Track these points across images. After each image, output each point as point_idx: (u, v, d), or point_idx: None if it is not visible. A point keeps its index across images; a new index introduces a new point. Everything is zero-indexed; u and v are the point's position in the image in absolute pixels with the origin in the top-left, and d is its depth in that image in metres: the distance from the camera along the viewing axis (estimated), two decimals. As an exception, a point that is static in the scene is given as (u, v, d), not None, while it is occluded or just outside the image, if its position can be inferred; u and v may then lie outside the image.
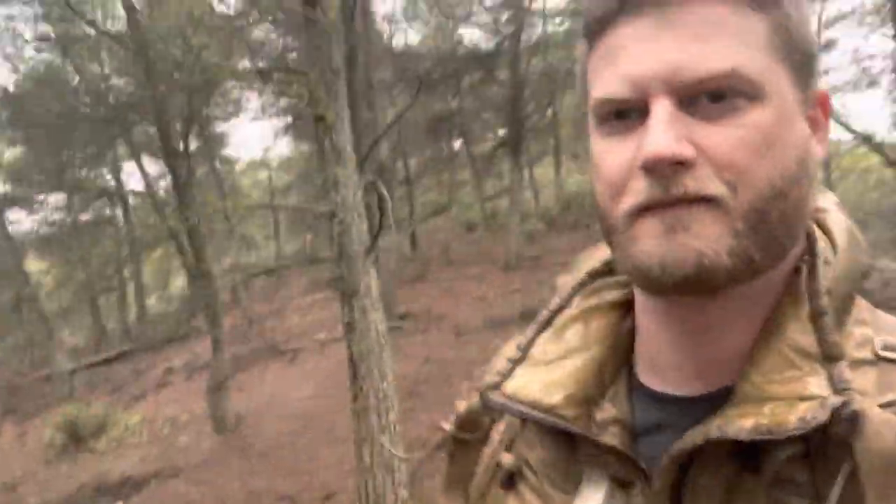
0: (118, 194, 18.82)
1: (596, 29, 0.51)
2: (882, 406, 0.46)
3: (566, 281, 0.66)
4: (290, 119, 17.87)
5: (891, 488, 0.43)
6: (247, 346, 12.71)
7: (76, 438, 9.31)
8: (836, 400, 0.45)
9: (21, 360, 17.01)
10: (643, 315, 0.58)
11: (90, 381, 13.65)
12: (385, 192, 4.83)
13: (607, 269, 0.64)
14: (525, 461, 0.61)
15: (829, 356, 0.48)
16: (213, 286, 8.35)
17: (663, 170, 0.47)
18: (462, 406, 0.67)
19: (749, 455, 0.48)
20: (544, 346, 0.61)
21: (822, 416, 0.44)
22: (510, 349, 0.63)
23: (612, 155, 0.51)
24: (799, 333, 0.50)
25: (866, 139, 11.14)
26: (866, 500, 0.44)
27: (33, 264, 18.57)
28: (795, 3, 0.51)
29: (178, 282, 22.08)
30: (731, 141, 0.47)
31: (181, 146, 8.49)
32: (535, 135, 18.03)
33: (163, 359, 14.36)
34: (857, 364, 0.49)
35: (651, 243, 0.48)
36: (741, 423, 0.46)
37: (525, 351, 0.62)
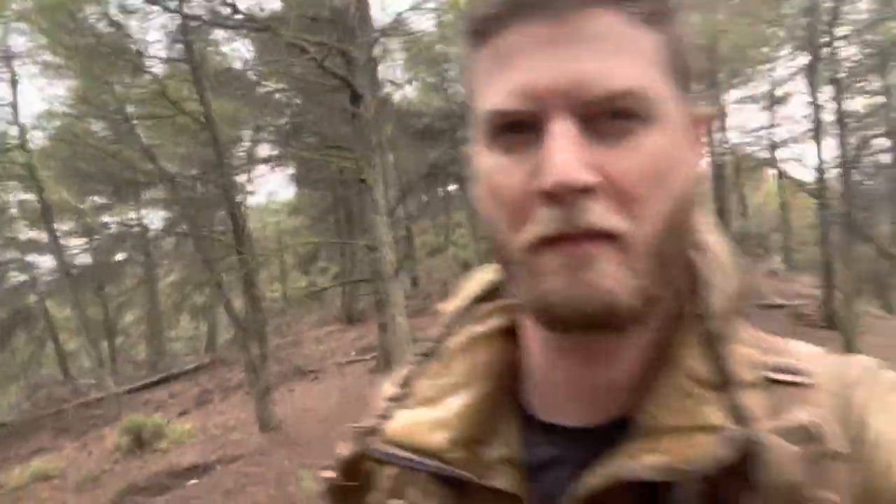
0: (141, 234, 20.47)
1: (482, 29, 0.48)
2: (777, 432, 0.45)
3: (448, 307, 0.62)
4: (294, 170, 19.88)
5: None
6: (275, 369, 14.55)
7: (139, 443, 11.05)
8: (737, 433, 0.44)
9: (49, 390, 18.66)
10: (535, 343, 0.55)
11: (131, 404, 15.38)
12: (412, 230, 6.91)
13: (492, 293, 0.60)
14: None
15: (724, 382, 0.47)
16: (262, 312, 10.33)
17: (566, 198, 0.44)
18: (344, 450, 0.61)
19: (650, 493, 0.45)
20: (428, 381, 0.57)
21: (728, 453, 0.43)
22: (390, 387, 0.59)
23: (507, 176, 0.47)
24: (693, 360, 0.49)
25: (800, 184, 13.25)
26: None
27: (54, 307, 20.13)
28: (681, 21, 0.50)
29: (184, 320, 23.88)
30: (634, 170, 0.45)
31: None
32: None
33: (194, 384, 16.14)
34: (748, 387, 0.48)
35: (556, 282, 0.45)
36: (648, 461, 0.45)
37: (406, 388, 0.58)
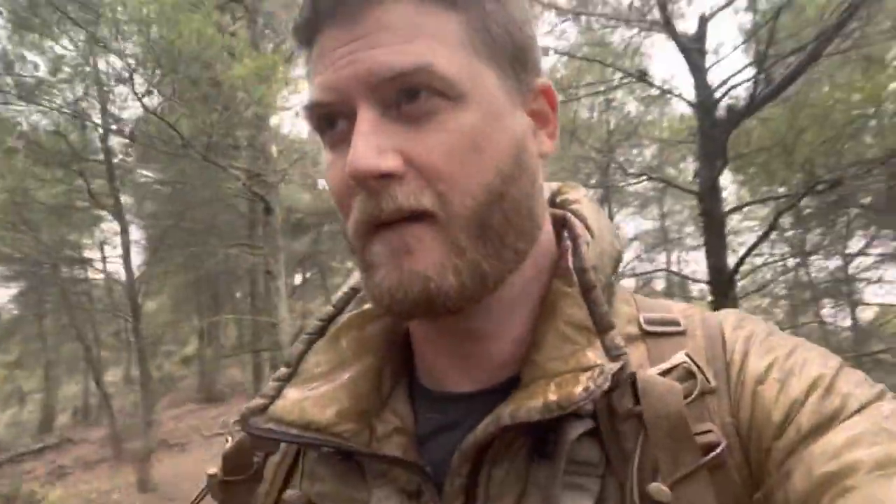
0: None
1: (305, 37, 0.51)
2: (660, 374, 0.48)
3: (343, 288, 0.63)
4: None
5: (681, 451, 0.45)
6: (137, 444, 15.08)
7: (5, 511, 11.32)
8: (613, 365, 0.46)
9: None
10: (415, 322, 0.57)
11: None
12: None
13: None
14: (308, 499, 0.55)
15: (602, 327, 0.49)
16: (148, 375, 11.47)
17: (370, 184, 0.45)
18: (229, 445, 0.60)
19: (542, 441, 0.47)
20: (317, 357, 0.57)
21: (604, 382, 0.45)
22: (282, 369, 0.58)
23: (334, 170, 0.50)
24: (572, 308, 0.50)
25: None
26: (660, 465, 0.45)
27: None
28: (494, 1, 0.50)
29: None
30: (438, 148, 0.46)
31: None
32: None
33: (44, 462, 15.95)
34: (628, 339, 0.52)
35: (381, 273, 0.47)
36: (531, 404, 0.45)
37: (295, 366, 0.57)
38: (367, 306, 0.59)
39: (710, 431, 0.47)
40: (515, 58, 0.51)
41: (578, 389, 0.45)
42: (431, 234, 0.46)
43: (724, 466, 0.46)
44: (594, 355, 0.48)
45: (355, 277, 0.62)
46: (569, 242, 0.55)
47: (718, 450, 0.45)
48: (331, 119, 0.50)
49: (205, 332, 18.95)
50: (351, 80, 0.47)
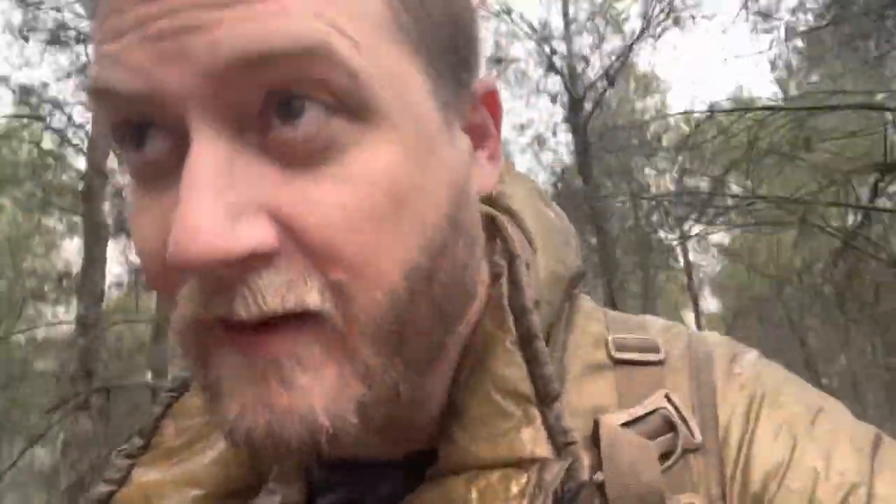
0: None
1: None
2: (627, 425, 0.37)
3: None
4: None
5: None
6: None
7: None
8: (555, 467, 0.33)
9: None
10: None
11: None
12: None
13: None
14: None
15: (544, 396, 0.35)
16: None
17: (216, 278, 0.28)
18: None
19: None
20: (176, 423, 0.44)
21: (545, 501, 0.32)
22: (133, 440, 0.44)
23: (146, 220, 0.30)
24: (506, 367, 0.37)
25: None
26: None
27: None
28: None
29: None
30: (335, 210, 0.28)
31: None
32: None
33: None
34: (594, 369, 0.41)
35: (233, 407, 0.30)
36: None
37: (149, 437, 0.44)
38: None
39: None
40: (456, 49, 0.34)
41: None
42: (321, 348, 0.30)
43: None
44: (531, 439, 0.35)
45: None
46: (502, 263, 0.40)
47: None
48: (138, 126, 0.29)
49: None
50: (175, 65, 0.27)
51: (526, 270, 0.40)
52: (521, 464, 0.34)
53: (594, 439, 0.37)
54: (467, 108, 0.37)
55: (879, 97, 5.38)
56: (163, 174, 0.29)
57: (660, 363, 0.41)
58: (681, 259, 12.69)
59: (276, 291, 0.28)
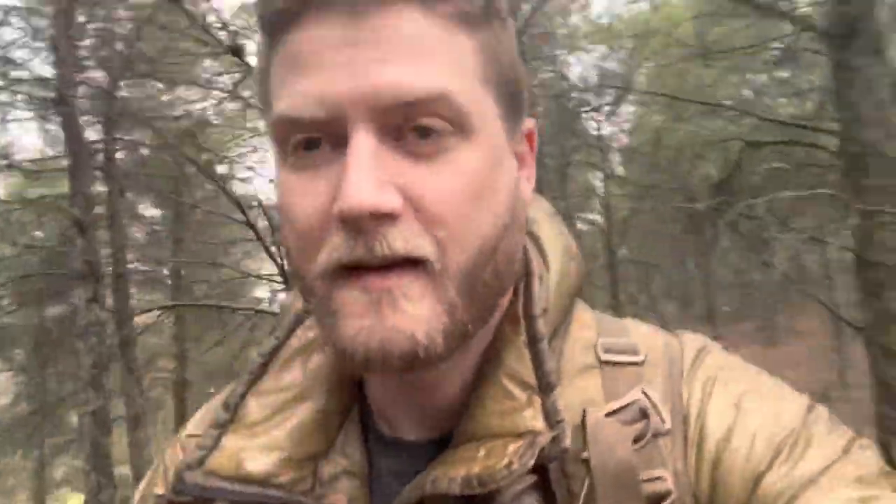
0: None
1: (277, 24, 0.43)
2: (609, 414, 0.46)
3: (287, 306, 0.57)
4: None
5: (625, 500, 0.43)
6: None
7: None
8: (544, 437, 0.43)
9: None
10: None
11: None
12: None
13: None
14: None
15: (544, 386, 0.46)
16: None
17: (364, 224, 0.40)
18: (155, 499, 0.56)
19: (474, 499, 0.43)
20: (258, 399, 0.52)
21: (529, 460, 0.42)
22: (215, 410, 0.53)
23: (305, 198, 0.43)
24: (517, 361, 0.47)
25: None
26: None
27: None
28: (502, 24, 0.46)
29: None
30: (445, 189, 0.41)
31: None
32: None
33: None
34: (583, 370, 0.49)
35: (353, 325, 0.41)
36: (453, 474, 0.43)
37: (234, 411, 0.51)
38: (310, 334, 0.55)
39: (659, 479, 0.45)
40: (513, 94, 0.47)
41: (502, 464, 0.42)
42: (420, 286, 0.42)
43: None
44: (532, 417, 0.45)
45: (297, 302, 0.57)
46: (522, 279, 0.51)
47: (668, 502, 0.44)
48: (313, 140, 0.43)
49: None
50: (350, 97, 0.40)
51: (539, 284, 0.50)
52: (521, 434, 0.44)
53: (583, 426, 0.46)
54: (517, 141, 0.49)
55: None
56: (321, 166, 0.43)
57: (640, 363, 0.50)
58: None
59: (402, 240, 0.41)
